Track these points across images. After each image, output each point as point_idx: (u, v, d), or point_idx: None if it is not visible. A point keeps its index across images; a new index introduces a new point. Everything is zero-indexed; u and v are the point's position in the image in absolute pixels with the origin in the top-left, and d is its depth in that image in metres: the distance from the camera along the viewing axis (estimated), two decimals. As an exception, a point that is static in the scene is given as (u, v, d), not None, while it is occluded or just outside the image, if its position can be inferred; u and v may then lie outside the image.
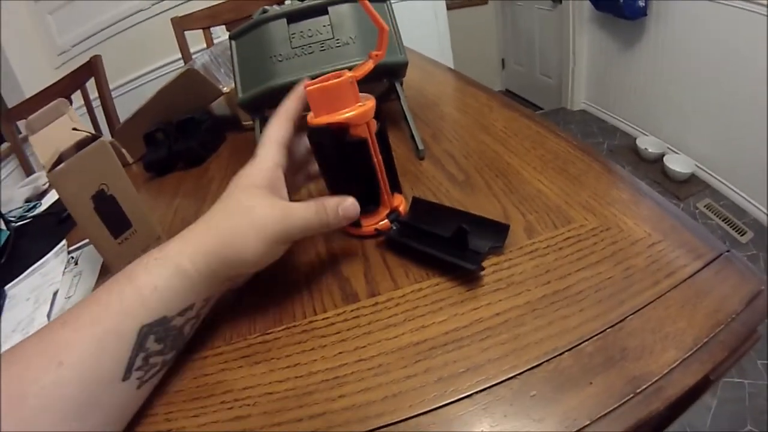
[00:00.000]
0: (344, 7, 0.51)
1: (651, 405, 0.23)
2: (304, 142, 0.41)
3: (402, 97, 0.55)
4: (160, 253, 0.31)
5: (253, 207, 0.33)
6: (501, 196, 0.41)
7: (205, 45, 1.37)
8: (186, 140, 0.74)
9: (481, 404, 0.25)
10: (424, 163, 0.51)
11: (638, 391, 0.23)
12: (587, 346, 0.26)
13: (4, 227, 0.74)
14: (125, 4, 1.98)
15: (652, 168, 2.27)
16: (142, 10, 1.99)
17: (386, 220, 0.39)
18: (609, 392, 0.24)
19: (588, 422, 0.22)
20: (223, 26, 1.39)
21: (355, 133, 0.36)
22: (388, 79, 0.56)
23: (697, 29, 1.95)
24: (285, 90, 0.51)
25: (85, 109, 1.38)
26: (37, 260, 0.60)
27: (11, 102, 1.72)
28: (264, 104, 0.57)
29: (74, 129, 0.48)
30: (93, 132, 0.46)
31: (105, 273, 0.50)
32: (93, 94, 1.35)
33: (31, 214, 0.82)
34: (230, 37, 0.56)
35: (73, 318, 0.28)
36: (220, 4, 1.35)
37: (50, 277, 0.55)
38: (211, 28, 1.39)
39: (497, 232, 0.35)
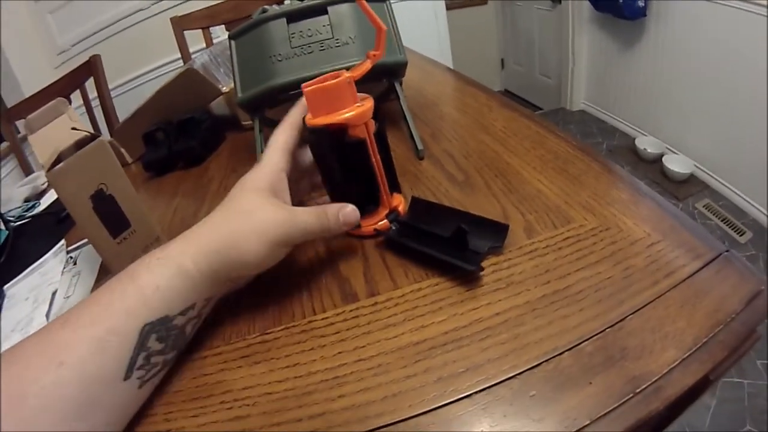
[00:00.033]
0: (344, 7, 0.50)
1: (651, 405, 0.23)
2: (308, 151, 0.42)
3: (401, 97, 0.55)
4: (163, 252, 0.31)
5: (257, 210, 0.33)
6: (500, 196, 0.41)
7: (204, 45, 1.37)
8: (185, 140, 0.74)
9: (481, 404, 0.24)
10: (423, 163, 0.51)
11: (638, 390, 0.23)
12: (587, 345, 0.26)
13: (3, 227, 0.74)
14: (125, 4, 1.98)
15: (651, 168, 2.27)
16: (141, 10, 1.99)
17: (385, 220, 0.39)
18: (609, 392, 0.24)
19: (588, 422, 0.22)
20: (223, 26, 1.39)
21: (353, 134, 0.36)
22: (387, 79, 0.56)
23: (697, 30, 1.95)
24: (284, 90, 0.51)
25: (84, 108, 1.38)
26: (36, 260, 0.60)
27: (10, 101, 1.72)
28: (263, 104, 0.57)
29: (73, 128, 0.48)
30: (92, 131, 0.46)
31: (104, 273, 0.50)
32: (92, 93, 1.35)
33: (30, 214, 0.82)
34: (230, 37, 0.56)
35: (74, 317, 0.28)
36: (219, 3, 1.35)
37: (49, 276, 0.55)
38: (211, 28, 1.39)
39: (497, 232, 0.35)
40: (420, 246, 0.35)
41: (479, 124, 0.57)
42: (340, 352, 0.30)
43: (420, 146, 0.52)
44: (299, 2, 0.51)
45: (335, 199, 0.39)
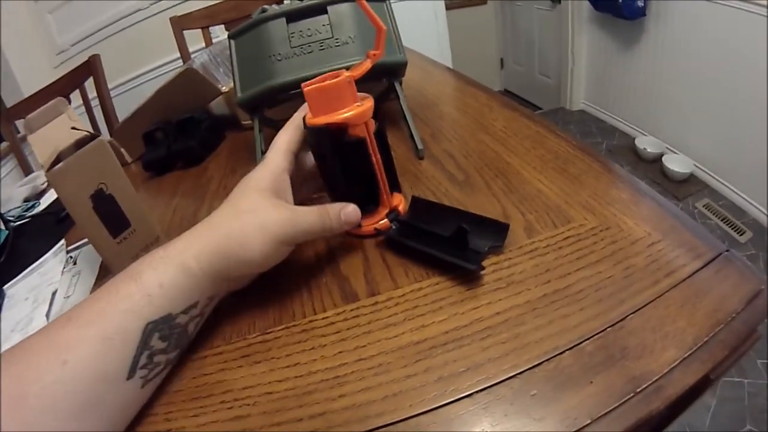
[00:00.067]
0: (343, 7, 0.50)
1: (651, 404, 0.23)
2: (311, 155, 0.42)
3: (401, 97, 0.55)
4: (166, 251, 0.31)
5: (259, 209, 0.33)
6: (501, 195, 0.41)
7: (203, 44, 1.37)
8: (185, 140, 0.74)
9: (482, 403, 0.24)
10: (423, 163, 0.51)
11: (638, 390, 0.23)
12: (587, 345, 0.26)
13: (2, 227, 0.74)
14: (124, 4, 1.98)
15: (651, 168, 2.27)
16: (140, 10, 1.99)
17: (386, 220, 0.39)
18: (609, 391, 0.24)
19: (589, 421, 0.22)
20: (222, 26, 1.39)
21: (353, 133, 0.36)
22: (387, 78, 0.56)
23: (696, 29, 1.95)
24: (284, 89, 0.51)
25: (83, 108, 1.37)
26: (36, 260, 0.60)
27: (10, 101, 1.72)
28: (263, 103, 0.57)
29: (73, 128, 0.48)
30: (92, 131, 0.46)
31: (104, 272, 0.50)
32: (92, 93, 1.35)
33: (30, 214, 0.82)
34: (229, 37, 0.56)
35: (77, 316, 0.28)
36: (218, 3, 1.35)
37: (49, 276, 0.55)
38: (210, 28, 1.39)
39: (497, 231, 0.35)
40: (420, 245, 0.35)
41: (479, 124, 0.57)
42: (340, 352, 0.30)
43: (420, 146, 0.52)
44: (299, 2, 0.51)
45: (336, 198, 0.39)
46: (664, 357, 0.25)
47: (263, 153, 0.57)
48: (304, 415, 0.26)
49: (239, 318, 0.35)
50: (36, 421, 0.23)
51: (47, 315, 0.47)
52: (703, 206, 1.99)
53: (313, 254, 0.41)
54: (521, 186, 0.42)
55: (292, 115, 0.41)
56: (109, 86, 1.36)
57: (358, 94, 0.37)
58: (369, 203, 0.39)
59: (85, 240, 0.58)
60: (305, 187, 0.43)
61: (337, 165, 0.37)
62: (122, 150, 0.82)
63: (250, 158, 0.61)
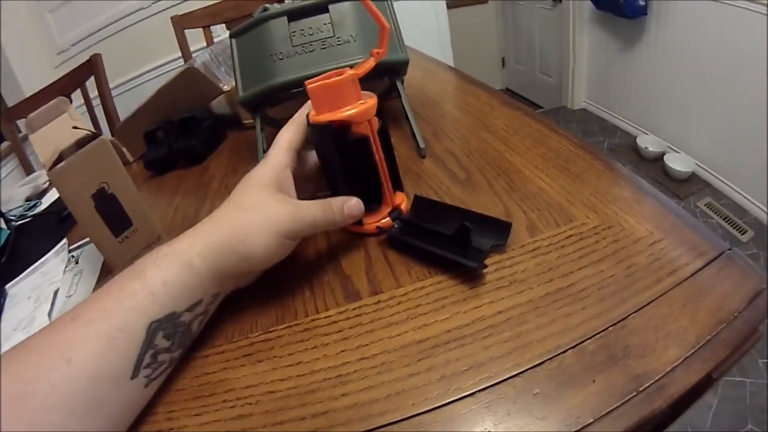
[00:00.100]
0: (345, 5, 0.50)
1: (654, 403, 0.23)
2: (314, 154, 0.42)
3: (403, 96, 0.55)
4: (170, 248, 0.31)
5: (262, 205, 0.33)
6: (503, 194, 0.41)
7: (205, 44, 1.37)
8: (186, 139, 0.74)
9: (484, 402, 0.24)
10: (425, 162, 0.51)
11: (641, 389, 0.23)
12: (590, 344, 0.26)
13: (4, 226, 0.74)
14: (125, 3, 1.98)
15: (653, 167, 2.27)
16: (142, 9, 1.99)
17: (388, 218, 0.39)
18: (612, 390, 0.24)
19: (591, 420, 0.22)
20: (223, 25, 1.39)
21: (356, 131, 0.36)
22: (389, 77, 0.56)
23: (698, 28, 1.95)
24: (285, 88, 0.51)
25: (85, 107, 1.38)
26: (38, 259, 0.60)
27: (11, 101, 1.72)
28: (264, 102, 0.57)
29: (74, 127, 0.48)
30: (93, 130, 0.46)
31: (106, 272, 0.50)
32: (93, 92, 1.35)
33: (32, 213, 0.82)
34: (231, 36, 0.56)
35: (81, 314, 0.28)
36: (220, 2, 1.35)
37: (51, 275, 0.55)
38: (211, 27, 1.39)
39: (499, 230, 0.35)
40: (423, 243, 0.35)
41: (481, 123, 0.57)
42: (343, 351, 0.30)
43: (422, 144, 0.52)
44: (300, 1, 0.51)
45: (337, 196, 0.39)
46: (667, 356, 0.25)
47: (265, 152, 0.57)
48: (306, 414, 0.26)
49: (242, 317, 0.35)
50: (40, 421, 0.23)
51: (49, 314, 0.47)
52: (705, 205, 1.99)
53: (315, 253, 0.41)
54: (523, 184, 0.42)
55: (293, 114, 0.41)
56: (111, 85, 1.37)
57: (363, 92, 0.37)
58: (372, 201, 0.39)
59: (87, 239, 0.58)
60: (308, 186, 0.43)
61: (340, 163, 0.37)
62: (124, 149, 0.82)
63: (252, 157, 0.62)
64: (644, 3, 2.13)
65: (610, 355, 0.25)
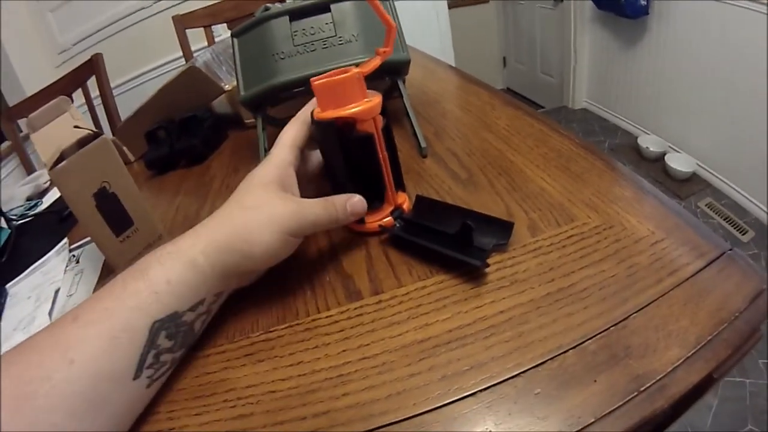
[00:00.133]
0: (347, 5, 0.50)
1: (655, 403, 0.23)
2: (318, 153, 0.42)
3: (404, 95, 0.54)
4: (174, 246, 0.31)
5: (265, 204, 0.33)
6: (504, 194, 0.41)
7: (206, 43, 1.37)
8: (188, 138, 0.74)
9: (485, 402, 0.24)
10: (426, 161, 0.51)
11: (642, 389, 0.23)
12: (591, 344, 0.26)
13: (5, 225, 0.74)
14: (126, 3, 1.98)
15: (654, 167, 2.27)
16: (143, 8, 1.99)
17: (390, 217, 0.39)
18: (613, 390, 0.24)
19: (592, 420, 0.22)
20: (225, 24, 1.39)
21: (361, 129, 0.35)
22: (390, 76, 0.56)
23: (699, 28, 1.95)
24: (287, 88, 0.51)
25: (86, 107, 1.38)
26: (39, 258, 0.60)
27: (12, 100, 1.73)
28: (266, 102, 0.57)
29: (76, 127, 0.48)
30: (94, 130, 0.46)
31: (107, 271, 0.50)
32: (94, 92, 1.35)
33: (33, 213, 0.82)
34: (232, 35, 0.56)
35: (83, 313, 0.28)
36: (221, 2, 1.35)
37: (51, 275, 0.55)
38: (213, 27, 1.39)
39: (502, 229, 0.35)
40: (425, 242, 0.35)
41: (482, 122, 0.57)
42: (344, 351, 0.30)
43: (423, 144, 0.52)
44: (302, 0, 0.51)
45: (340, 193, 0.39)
46: (668, 356, 0.25)
47: (266, 151, 0.57)
48: (307, 413, 0.26)
49: (243, 316, 0.35)
50: (41, 421, 0.23)
51: (50, 314, 0.47)
52: (706, 205, 1.98)
53: (317, 252, 0.41)
54: (524, 184, 0.42)
55: (294, 114, 0.41)
56: (112, 85, 1.37)
57: (368, 91, 0.37)
58: (374, 200, 0.39)
59: (88, 238, 0.58)
60: (311, 184, 0.43)
61: (343, 160, 0.37)
62: (125, 148, 0.82)
63: (253, 157, 0.62)
64: (645, 3, 2.13)
65: (611, 354, 0.25)
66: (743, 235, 1.79)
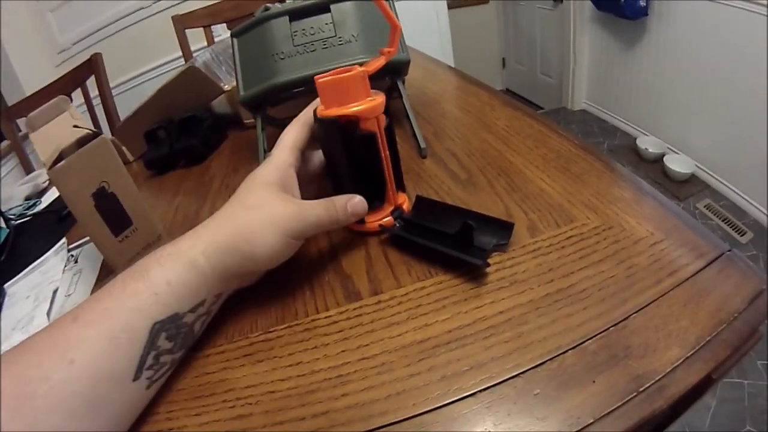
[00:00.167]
0: (347, 5, 0.50)
1: (654, 403, 0.23)
2: (319, 154, 0.42)
3: (404, 95, 0.55)
4: (174, 247, 0.31)
5: (266, 205, 0.33)
6: (503, 194, 0.41)
7: (206, 43, 1.37)
8: (187, 138, 0.74)
9: (485, 403, 0.24)
10: (426, 162, 0.51)
11: (641, 389, 0.23)
12: (590, 344, 0.26)
13: (3, 225, 0.74)
14: (126, 2, 1.98)
15: (653, 168, 2.27)
16: (142, 8, 1.99)
17: (390, 217, 0.39)
18: (612, 390, 0.24)
19: (592, 420, 0.22)
20: (224, 24, 1.39)
21: (364, 127, 0.35)
22: (390, 77, 0.56)
23: (698, 29, 1.95)
24: (287, 88, 0.51)
25: (85, 107, 1.38)
26: (37, 258, 0.60)
27: (11, 100, 1.72)
28: (265, 102, 0.57)
29: (75, 126, 0.48)
30: (94, 129, 0.46)
31: (105, 271, 0.50)
32: (93, 92, 1.35)
33: (31, 212, 0.82)
34: (232, 35, 0.56)
35: (83, 314, 0.27)
36: (221, 2, 1.35)
37: (50, 275, 0.55)
38: (212, 26, 1.39)
39: (501, 230, 0.35)
40: (426, 242, 0.35)
41: (482, 123, 0.57)
42: (343, 351, 0.30)
43: (423, 144, 0.52)
44: (302, 0, 0.51)
45: (341, 193, 0.39)
46: (667, 356, 0.25)
47: (266, 152, 0.57)
48: (306, 414, 0.26)
49: (242, 317, 0.35)
50: (40, 421, 0.23)
51: (48, 313, 0.47)
52: (704, 207, 1.99)
53: (316, 252, 0.41)
54: (524, 185, 0.42)
55: (294, 114, 0.40)
56: (111, 85, 1.37)
57: (372, 90, 0.37)
58: (375, 199, 0.39)
59: (87, 238, 0.58)
60: (312, 186, 0.43)
61: (345, 159, 0.37)
62: (124, 148, 0.82)
63: (253, 157, 0.62)
64: (645, 4, 2.14)
65: (610, 355, 0.25)
66: (742, 236, 1.79)
